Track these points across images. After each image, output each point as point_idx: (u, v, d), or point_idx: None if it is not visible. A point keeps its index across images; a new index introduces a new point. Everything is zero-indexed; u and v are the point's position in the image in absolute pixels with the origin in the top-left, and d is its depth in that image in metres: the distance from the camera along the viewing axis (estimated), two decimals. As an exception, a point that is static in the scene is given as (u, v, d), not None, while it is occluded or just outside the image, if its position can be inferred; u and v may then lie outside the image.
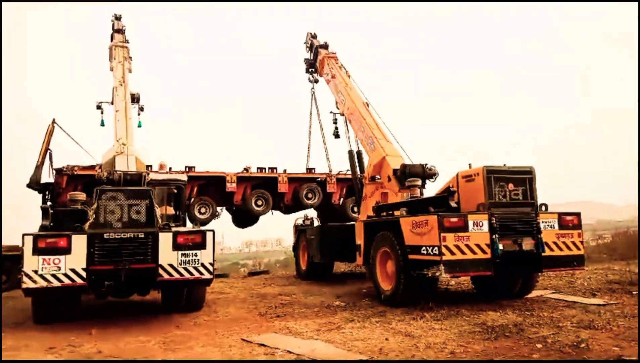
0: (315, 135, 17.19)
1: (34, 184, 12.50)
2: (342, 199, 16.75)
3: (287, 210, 17.06)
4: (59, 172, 13.14)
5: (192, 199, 14.92)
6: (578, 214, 8.62)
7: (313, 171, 16.75)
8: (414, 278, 8.19)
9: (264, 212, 15.99)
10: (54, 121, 12.79)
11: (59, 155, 12.98)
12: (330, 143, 16.44)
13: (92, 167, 12.53)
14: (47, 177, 12.80)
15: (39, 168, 12.52)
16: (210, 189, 15.41)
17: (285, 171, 16.15)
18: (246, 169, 15.84)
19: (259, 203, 15.76)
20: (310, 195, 16.15)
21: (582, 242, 8.51)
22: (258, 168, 16.04)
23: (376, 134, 11.60)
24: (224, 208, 16.25)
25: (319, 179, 16.44)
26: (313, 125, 17.10)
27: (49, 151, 12.68)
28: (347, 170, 14.65)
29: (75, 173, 13.16)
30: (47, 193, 13.03)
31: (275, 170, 16.10)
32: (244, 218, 17.26)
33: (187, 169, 14.89)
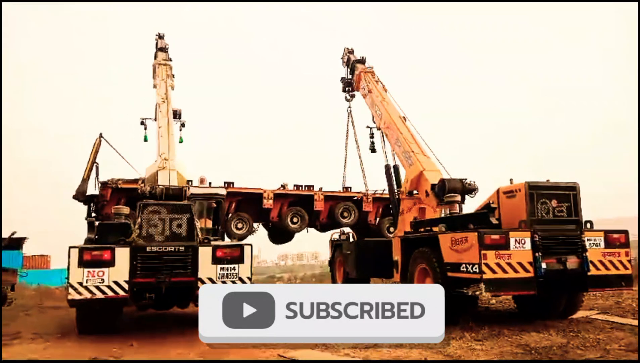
0: (351, 153, 17.15)
1: (80, 196, 12.83)
2: (378, 219, 16.57)
3: (322, 228, 17.01)
4: (104, 185, 13.44)
5: (230, 215, 15.02)
6: (625, 232, 8.34)
7: (349, 189, 16.69)
8: (454, 296, 8.00)
9: (300, 229, 16.02)
10: (100, 136, 13.18)
11: (104, 168, 13.33)
12: (366, 161, 16.43)
13: (135, 181, 12.80)
14: (92, 189, 13.15)
15: (85, 180, 12.84)
16: (248, 205, 15.50)
17: (321, 189, 16.14)
18: (283, 186, 15.90)
19: (295, 220, 15.79)
20: (345, 214, 16.10)
21: (629, 261, 8.23)
22: (295, 186, 16.07)
23: (413, 148, 11.47)
24: (260, 224, 16.32)
25: (355, 198, 16.35)
26: (349, 143, 17.09)
27: (95, 164, 13.03)
28: (384, 190, 14.52)
29: (120, 186, 13.47)
30: (91, 204, 13.37)
31: (311, 188, 16.11)
32: (280, 234, 17.28)
33: (226, 185, 15.07)
